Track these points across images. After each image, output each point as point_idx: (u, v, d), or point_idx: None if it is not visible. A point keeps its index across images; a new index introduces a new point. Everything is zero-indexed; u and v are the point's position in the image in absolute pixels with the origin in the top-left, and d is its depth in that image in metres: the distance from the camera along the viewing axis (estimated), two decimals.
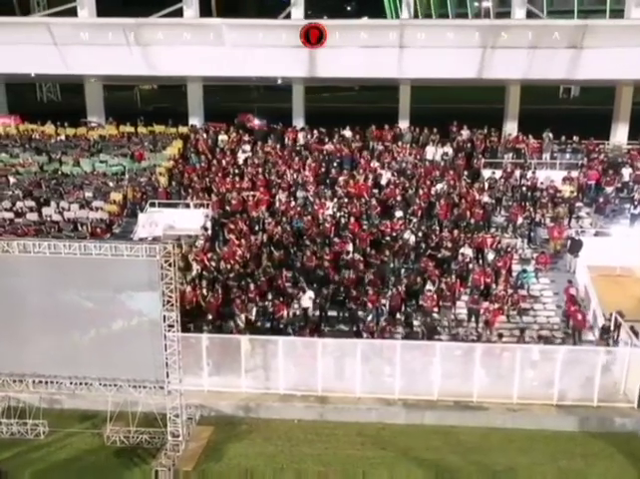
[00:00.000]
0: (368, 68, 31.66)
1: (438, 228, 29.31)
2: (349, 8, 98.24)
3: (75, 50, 31.97)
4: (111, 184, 33.20)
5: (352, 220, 29.42)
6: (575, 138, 34.84)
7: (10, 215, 31.42)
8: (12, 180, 33.61)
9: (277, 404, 22.42)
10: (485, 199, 30.72)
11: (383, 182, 32.28)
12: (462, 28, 32.41)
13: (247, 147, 35.18)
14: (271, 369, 22.92)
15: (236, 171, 33.33)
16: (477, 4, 71.26)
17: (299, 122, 38.56)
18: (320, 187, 32.10)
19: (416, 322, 25.52)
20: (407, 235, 28.48)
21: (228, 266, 27.18)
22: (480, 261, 28.05)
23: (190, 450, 20.51)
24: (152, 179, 33.11)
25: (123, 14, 34.62)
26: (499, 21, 44.24)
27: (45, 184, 33.10)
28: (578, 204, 31.71)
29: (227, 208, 30.84)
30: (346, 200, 30.97)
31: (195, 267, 27.43)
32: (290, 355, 22.78)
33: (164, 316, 19.56)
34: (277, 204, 31.10)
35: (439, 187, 31.37)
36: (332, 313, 26.06)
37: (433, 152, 34.09)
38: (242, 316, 24.54)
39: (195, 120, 38.99)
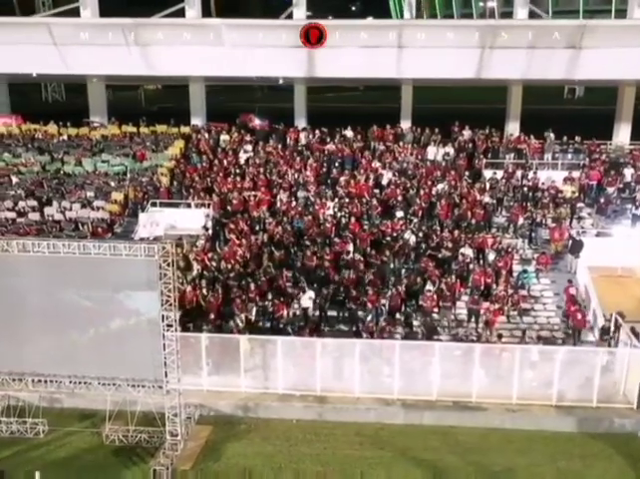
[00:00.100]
0: (367, 68, 31.67)
1: (438, 228, 29.27)
2: (354, 8, 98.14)
3: (75, 50, 32.06)
4: (112, 183, 33.27)
5: (352, 220, 29.42)
6: (577, 138, 34.76)
7: (12, 214, 31.51)
8: (15, 179, 33.72)
9: (276, 404, 22.43)
10: (487, 199, 30.67)
11: (384, 182, 32.28)
12: (460, 28, 32.50)
13: (249, 147, 35.24)
14: (270, 369, 22.92)
15: (237, 171, 33.37)
16: (482, 4, 71.09)
17: (301, 122, 38.60)
18: (321, 187, 32.13)
19: (415, 323, 25.54)
20: (407, 235, 28.46)
21: (229, 266, 27.21)
22: (481, 262, 28.01)
23: (189, 449, 20.55)
24: (153, 178, 33.14)
25: (127, 14, 34.68)
26: (498, 21, 44.39)
27: (47, 183, 33.17)
28: (580, 204, 31.64)
29: (228, 208, 30.89)
30: (347, 200, 30.97)
31: (196, 267, 27.48)
32: (289, 355, 22.80)
33: (163, 316, 19.60)
34: (278, 204, 31.13)
35: (440, 187, 31.35)
36: (332, 313, 26.08)
37: (434, 152, 34.08)
38: (242, 316, 24.54)
39: (198, 120, 39.07)
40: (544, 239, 29.62)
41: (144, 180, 33.31)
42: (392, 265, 27.48)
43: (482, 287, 26.45)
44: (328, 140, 35.46)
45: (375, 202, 30.59)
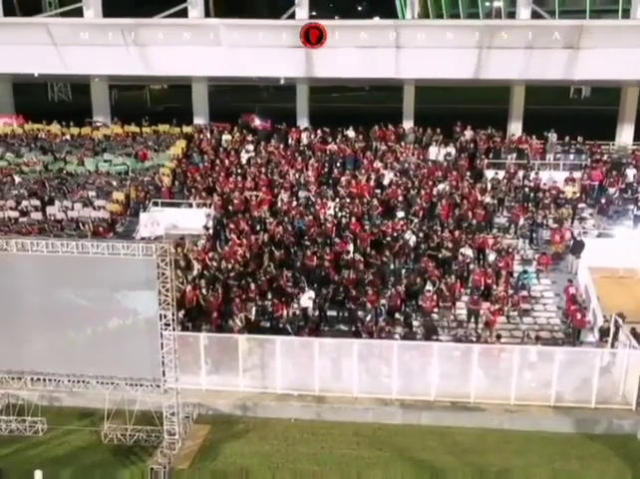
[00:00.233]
0: (365, 68, 31.63)
1: (439, 228, 29.24)
2: (360, 8, 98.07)
3: (74, 50, 32.17)
4: (114, 183, 33.38)
5: (353, 220, 29.42)
6: (579, 138, 34.68)
7: (15, 214, 31.66)
8: (17, 179, 33.88)
9: (274, 404, 22.46)
10: (488, 199, 30.63)
11: (385, 182, 32.28)
12: (459, 28, 32.45)
13: (250, 147, 35.32)
14: (269, 369, 22.95)
15: (239, 171, 33.44)
16: (488, 4, 71.03)
17: (303, 122, 38.67)
18: (322, 187, 32.16)
19: (415, 323, 25.54)
20: (408, 235, 28.44)
21: (229, 266, 27.28)
22: (481, 262, 27.97)
23: (187, 448, 20.61)
24: (154, 178, 33.23)
25: (133, 14, 34.83)
26: (496, 21, 44.27)
27: (48, 183, 33.31)
28: (581, 204, 31.57)
29: (230, 207, 30.95)
30: (348, 200, 30.98)
31: (196, 267, 27.53)
32: (288, 355, 22.83)
33: (161, 315, 19.67)
34: (279, 203, 31.17)
35: (440, 187, 31.33)
36: (332, 313, 26.10)
37: (436, 152, 34.06)
38: (241, 316, 24.57)
39: (201, 120, 39.18)
40: (545, 239, 29.55)
41: (145, 179, 33.38)
42: (392, 266, 27.46)
43: (483, 288, 26.43)
44: (330, 140, 35.45)
45: (376, 202, 30.56)
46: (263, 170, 33.29)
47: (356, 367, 22.45)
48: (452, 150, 34.17)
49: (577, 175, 32.41)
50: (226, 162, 34.44)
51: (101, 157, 35.49)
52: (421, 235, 28.72)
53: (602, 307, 25.29)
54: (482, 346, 22.99)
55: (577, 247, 28.10)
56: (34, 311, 20.13)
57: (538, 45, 29.75)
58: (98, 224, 30.46)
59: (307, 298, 25.60)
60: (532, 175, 32.43)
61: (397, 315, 25.52)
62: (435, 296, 25.63)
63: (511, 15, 57.54)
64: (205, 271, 27.24)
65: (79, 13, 37.14)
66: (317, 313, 25.60)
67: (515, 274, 27.59)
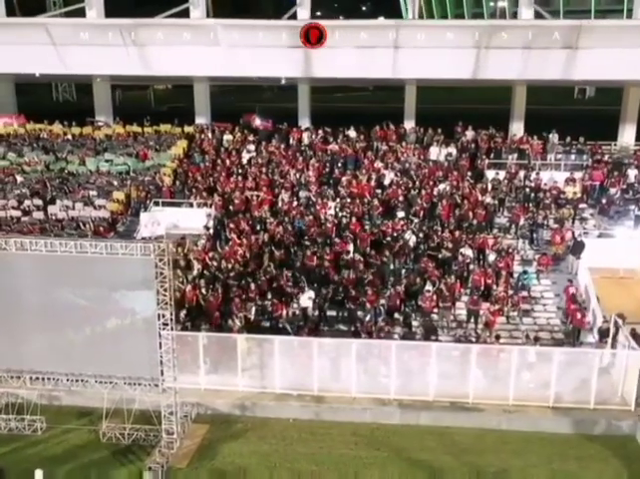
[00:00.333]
0: (363, 68, 31.63)
1: (439, 228, 29.21)
2: (364, 8, 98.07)
3: (74, 50, 32.26)
4: (115, 183, 33.47)
5: (354, 220, 29.41)
6: (581, 139, 34.63)
7: (17, 213, 31.76)
8: (19, 178, 33.99)
9: (273, 403, 22.48)
10: (488, 199, 30.60)
11: (386, 182, 32.27)
12: (457, 28, 32.38)
13: (252, 147, 35.36)
14: (268, 368, 22.96)
15: (240, 170, 33.48)
16: (492, 4, 70.98)
17: (305, 122, 38.69)
18: (323, 187, 32.17)
19: (415, 323, 25.54)
20: (408, 235, 28.43)
21: (229, 266, 27.31)
22: (482, 262, 27.94)
23: (185, 448, 20.66)
24: (155, 178, 33.30)
25: (135, 14, 34.94)
26: (494, 21, 44.18)
27: (50, 183, 33.40)
28: (582, 205, 31.51)
29: (230, 207, 30.99)
30: (348, 200, 30.98)
31: (197, 267, 27.58)
32: (286, 355, 22.85)
33: (159, 315, 19.71)
34: (280, 203, 31.18)
35: (441, 187, 31.31)
36: (331, 313, 26.11)
37: (437, 152, 34.05)
38: (241, 315, 24.60)
39: (202, 119, 39.24)
40: (546, 239, 29.51)
41: (146, 179, 33.45)
42: (392, 266, 27.45)
43: (482, 288, 26.41)
44: (331, 140, 35.46)
45: (376, 202, 30.55)
46: (264, 170, 33.28)
47: (354, 367, 22.43)
48: (453, 150, 34.15)
49: (578, 175, 32.34)
50: (227, 162, 34.47)
51: (102, 156, 35.55)
52: (421, 235, 28.68)
53: (602, 308, 25.24)
54: (481, 347, 22.97)
55: (578, 248, 28.05)
56: (33, 311, 20.22)
57: (537, 45, 29.69)
58: (98, 223, 30.52)
59: (307, 298, 25.61)
60: (533, 175, 32.38)
61: (396, 315, 25.52)
62: (434, 297, 25.60)
63: (516, 15, 57.66)
64: (205, 271, 27.27)
65: (83, 13, 37.29)
66: (317, 313, 25.59)
67: (515, 275, 27.56)
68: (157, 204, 31.41)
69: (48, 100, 69.52)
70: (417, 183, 31.92)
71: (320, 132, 36.14)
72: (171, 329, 19.99)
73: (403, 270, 27.63)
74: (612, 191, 31.54)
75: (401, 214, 30.07)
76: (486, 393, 22.10)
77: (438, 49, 30.42)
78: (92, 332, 20.26)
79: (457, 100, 54.94)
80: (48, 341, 20.40)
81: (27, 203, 32.18)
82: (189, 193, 32.28)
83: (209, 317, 24.86)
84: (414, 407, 22.16)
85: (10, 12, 38.92)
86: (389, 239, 28.53)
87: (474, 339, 24.79)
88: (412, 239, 28.29)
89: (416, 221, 29.70)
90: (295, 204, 31.05)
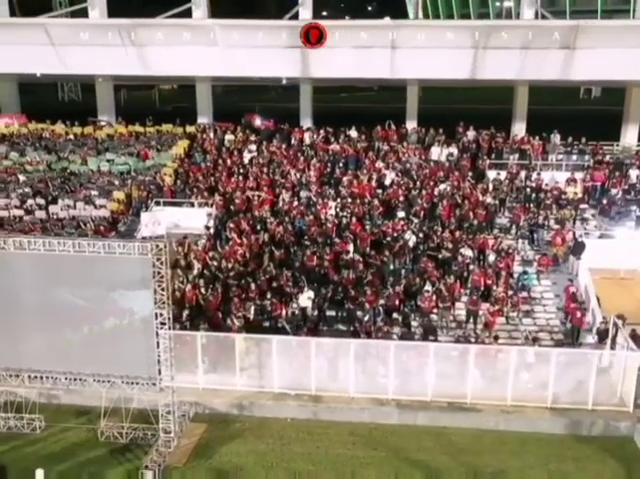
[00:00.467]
0: (361, 68, 31.66)
1: (440, 228, 29.18)
2: (370, 8, 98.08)
3: (74, 50, 32.41)
4: (116, 182, 33.57)
5: (354, 220, 29.41)
6: (583, 139, 34.56)
7: (19, 212, 31.88)
8: (22, 178, 34.13)
9: (271, 403, 22.50)
10: (489, 200, 30.56)
11: (387, 182, 32.26)
12: (455, 28, 32.39)
13: (253, 147, 35.40)
14: (266, 368, 22.98)
15: (241, 170, 33.53)
16: (498, 4, 70.93)
17: (307, 122, 38.75)
18: (324, 187, 32.18)
19: (414, 323, 25.53)
20: (408, 235, 28.41)
21: (229, 265, 27.35)
22: (482, 263, 27.89)
23: (182, 447, 20.70)
24: (156, 178, 33.39)
25: (137, 14, 35.04)
26: (492, 22, 44.17)
27: (51, 182, 33.53)
28: (583, 205, 31.44)
29: (231, 207, 31.03)
30: (349, 200, 30.98)
31: (197, 266, 27.63)
32: (285, 354, 22.88)
33: (157, 314, 19.76)
34: (280, 203, 31.21)
35: (442, 187, 31.28)
36: (331, 313, 26.11)
37: (438, 152, 34.03)
38: (240, 315, 24.62)
39: (205, 119, 39.35)
40: (546, 240, 29.45)
41: (147, 179, 33.53)
42: (391, 266, 27.43)
43: (482, 288, 26.38)
44: (332, 140, 35.48)
45: (377, 202, 30.54)
46: (265, 170, 33.31)
47: (353, 367, 22.44)
48: (454, 150, 34.11)
49: (579, 175, 32.27)
50: (229, 161, 34.52)
51: (103, 156, 35.67)
52: (421, 235, 28.65)
53: (602, 309, 25.20)
54: (479, 347, 22.92)
55: (578, 248, 28.00)
56: (31, 310, 20.31)
57: (535, 45, 29.66)
58: (98, 223, 30.60)
59: (306, 298, 25.61)
60: (534, 175, 32.32)
61: (395, 315, 25.50)
62: (433, 297, 25.58)
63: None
64: (205, 271, 27.32)
65: (88, 13, 37.48)
66: (316, 313, 25.59)
67: (516, 275, 27.52)
68: (158, 203, 31.46)
69: (54, 100, 69.96)
70: (417, 183, 31.87)
71: (322, 132, 36.13)
72: (169, 329, 20.04)
73: (402, 271, 27.58)
74: (613, 191, 31.45)
75: (401, 214, 30.04)
76: (484, 394, 22.08)
77: (436, 49, 30.42)
78: (90, 332, 20.33)
79: (459, 100, 54.92)
80: (46, 340, 20.49)
81: (29, 202, 32.28)
82: (190, 192, 32.33)
83: (209, 317, 24.91)
84: (412, 407, 22.15)
85: (14, 12, 39.23)
86: (389, 239, 28.50)
87: (473, 340, 24.76)
88: (412, 240, 28.27)
89: (416, 221, 29.65)
90: (296, 204, 31.04)
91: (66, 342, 20.42)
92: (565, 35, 29.55)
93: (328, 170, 33.66)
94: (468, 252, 27.50)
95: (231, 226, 29.52)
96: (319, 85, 41.47)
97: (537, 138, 34.40)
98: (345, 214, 30.06)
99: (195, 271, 27.41)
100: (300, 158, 34.32)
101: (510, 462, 20.02)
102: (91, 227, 30.02)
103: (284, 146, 35.52)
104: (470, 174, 32.60)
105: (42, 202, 32.33)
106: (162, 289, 19.56)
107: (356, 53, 30.96)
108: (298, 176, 32.85)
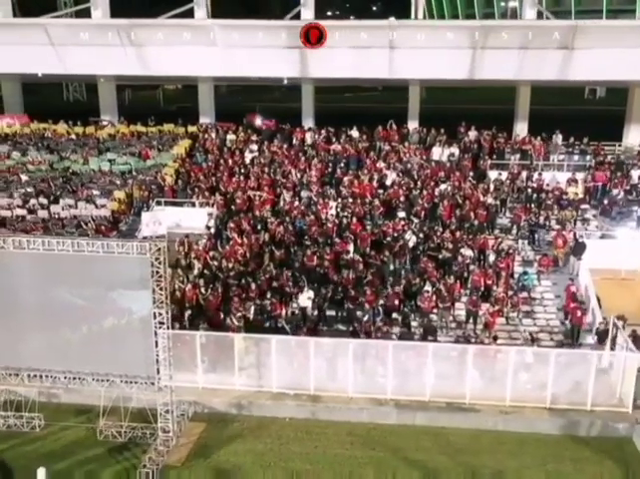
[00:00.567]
0: (360, 68, 31.67)
1: (440, 229, 29.16)
2: (375, 8, 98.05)
3: (73, 50, 32.54)
4: (118, 182, 33.67)
5: (354, 220, 29.41)
6: (585, 139, 34.49)
7: (22, 211, 32.01)
8: (24, 177, 34.26)
9: (269, 402, 22.54)
10: (490, 200, 30.52)
11: (388, 182, 32.25)
12: (453, 29, 32.40)
13: (255, 146, 35.43)
14: (265, 368, 23.02)
15: (242, 170, 33.57)
16: (503, 4, 70.75)
17: (309, 122, 38.76)
18: (325, 187, 32.19)
19: (414, 323, 25.53)
20: (408, 235, 28.40)
21: (230, 265, 27.40)
22: (482, 263, 27.85)
23: (181, 446, 20.75)
24: (156, 177, 33.46)
25: (140, 14, 35.16)
26: (491, 22, 44.17)
27: (53, 182, 33.64)
28: (585, 206, 31.38)
29: (232, 207, 31.08)
30: (350, 200, 30.98)
31: (197, 266, 27.69)
32: (283, 354, 22.89)
33: (155, 313, 19.82)
34: (281, 203, 31.23)
35: (442, 187, 31.26)
36: (331, 313, 26.12)
37: (439, 152, 34.00)
38: (239, 315, 24.66)
39: (207, 119, 39.44)
40: (547, 240, 29.41)
41: (148, 178, 33.62)
42: (391, 266, 27.42)
43: (482, 289, 26.36)
44: (334, 140, 35.49)
45: (377, 202, 30.54)
46: (266, 169, 33.34)
47: (351, 367, 22.46)
48: (455, 150, 34.08)
49: (580, 176, 32.22)
50: (230, 161, 34.56)
51: (105, 156, 35.77)
52: (421, 235, 28.63)
53: (603, 309, 25.18)
54: (478, 347, 22.94)
55: (579, 249, 27.94)
56: (31, 309, 20.42)
57: (533, 45, 29.62)
58: (99, 222, 30.69)
59: (306, 298, 25.64)
60: (535, 176, 32.27)
61: (395, 315, 25.51)
62: (434, 297, 25.57)
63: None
64: (206, 271, 27.38)
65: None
66: (316, 313, 25.61)
67: (516, 276, 27.48)
68: (159, 203, 31.52)
69: (59, 100, 70.15)
70: (418, 183, 31.85)
71: (323, 132, 36.15)
72: (167, 328, 20.09)
73: (402, 271, 27.57)
74: (614, 191, 31.36)
75: (402, 214, 30.02)
76: (483, 394, 22.07)
77: (434, 49, 30.40)
78: (89, 331, 20.41)
79: (461, 100, 54.85)
80: (45, 339, 20.57)
81: (32, 202, 32.39)
82: (192, 192, 32.39)
83: (209, 317, 24.95)
84: (410, 407, 22.16)
85: (15, 12, 39.39)
86: (389, 239, 28.49)
87: (473, 340, 24.75)
88: (412, 240, 28.25)
89: (416, 221, 29.63)
90: (297, 203, 31.05)
91: (65, 342, 20.50)
92: (564, 35, 29.48)
93: (329, 170, 33.64)
94: (468, 253, 27.46)
95: (232, 225, 29.55)
96: (322, 85, 41.51)
97: (539, 138, 34.26)
98: (346, 214, 30.06)
99: (196, 271, 27.47)
100: (301, 158, 34.30)
101: (508, 462, 19.99)
102: (92, 226, 30.10)
103: (285, 146, 35.52)
104: (471, 174, 32.56)
105: (44, 201, 32.44)
106: (161, 289, 19.61)
107: (355, 53, 30.98)
108: (299, 176, 32.85)
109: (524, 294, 26.78)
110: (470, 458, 20.20)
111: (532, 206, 30.83)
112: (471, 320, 25.72)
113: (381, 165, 33.37)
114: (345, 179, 32.40)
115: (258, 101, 55.09)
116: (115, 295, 20.11)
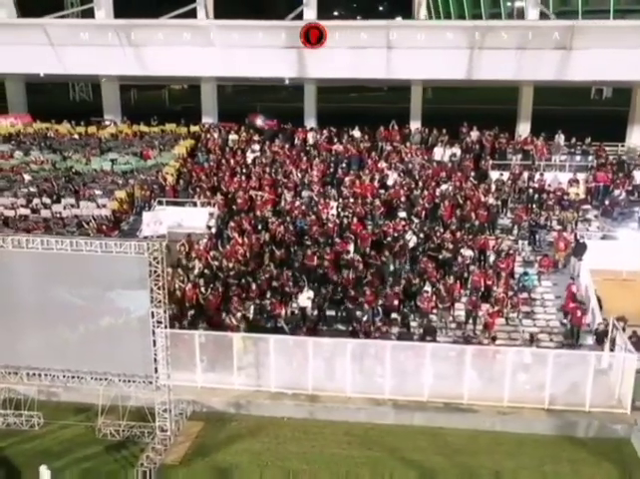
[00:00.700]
0: (358, 69, 31.68)
1: (441, 229, 29.12)
2: (381, 8, 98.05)
3: (73, 51, 32.70)
4: (120, 182, 33.78)
5: (355, 220, 29.42)
6: (587, 140, 34.39)
7: (24, 211, 32.14)
8: (27, 177, 34.42)
9: (268, 402, 22.59)
10: (491, 200, 30.48)
11: (389, 182, 32.24)
12: (452, 29, 32.40)
13: (256, 146, 35.49)
14: (264, 367, 23.07)
15: (244, 170, 33.63)
16: (509, 4, 70.58)
17: (311, 122, 38.79)
18: (326, 187, 32.21)
19: (414, 324, 25.52)
20: (408, 235, 28.39)
21: (230, 265, 27.46)
22: (482, 263, 27.81)
23: (179, 445, 20.81)
24: (158, 177, 33.57)
25: (142, 14, 35.27)
26: (489, 22, 44.15)
27: (56, 181, 33.78)
28: (586, 206, 31.29)
29: (233, 207, 31.14)
30: (351, 200, 30.99)
31: (198, 266, 27.75)
32: (282, 354, 22.93)
33: (153, 313, 19.88)
34: (282, 203, 31.27)
35: (443, 187, 31.23)
36: (330, 313, 26.13)
37: (441, 153, 33.96)
38: (238, 315, 24.71)
39: (210, 119, 39.53)
40: (548, 241, 29.34)
41: (150, 178, 33.72)
42: (391, 266, 27.41)
43: (482, 289, 26.33)
44: (335, 140, 35.51)
45: (378, 202, 30.54)
46: (268, 169, 33.38)
47: (349, 367, 22.50)
48: (457, 150, 34.03)
49: (582, 176, 32.13)
50: (232, 161, 34.62)
51: (106, 156, 35.91)
52: (422, 235, 28.61)
53: (604, 310, 25.11)
54: (476, 348, 22.93)
55: (579, 250, 27.85)
56: (29, 308, 20.52)
57: (531, 45, 29.57)
58: (100, 222, 30.79)
59: (306, 298, 25.67)
60: (537, 176, 32.19)
61: (394, 316, 25.51)
62: (433, 297, 25.55)
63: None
64: (207, 270, 27.44)
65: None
66: (316, 313, 25.64)
67: (516, 276, 27.43)
68: (160, 203, 31.61)
69: (65, 99, 70.45)
70: (419, 183, 31.83)
71: (325, 132, 36.17)
72: (165, 327, 20.16)
73: (402, 271, 27.56)
74: (616, 192, 31.24)
75: (402, 214, 30.00)
76: (481, 394, 22.06)
77: (433, 49, 30.39)
78: (87, 330, 20.47)
79: (464, 100, 54.76)
80: (44, 338, 20.65)
81: (35, 201, 32.53)
82: (193, 192, 32.46)
83: (209, 316, 25.01)
84: (408, 408, 22.16)
85: (24, 13, 39.67)
86: (389, 239, 28.48)
87: (473, 340, 24.70)
88: (412, 240, 28.24)
89: (416, 221, 29.60)
90: (298, 203, 31.08)
91: (63, 340, 20.59)
92: (562, 35, 29.40)
93: (331, 170, 33.65)
94: (468, 253, 27.42)
95: (233, 225, 29.61)
96: (326, 85, 41.55)
97: (541, 138, 34.19)
98: (347, 214, 30.06)
99: (197, 271, 27.53)
100: (303, 158, 34.33)
101: (505, 463, 19.96)
102: (93, 226, 30.21)
103: (287, 146, 35.55)
104: (472, 174, 32.51)
105: (47, 201, 32.58)
106: (159, 288, 19.66)
107: (353, 53, 31.00)
108: (300, 176, 32.87)
109: (525, 295, 26.73)
110: (467, 459, 20.18)
111: (534, 206, 30.71)
112: (470, 321, 25.66)
113: (382, 165, 33.34)
114: (346, 179, 32.40)
115: (264, 101, 55.26)
116: (113, 295, 20.17)
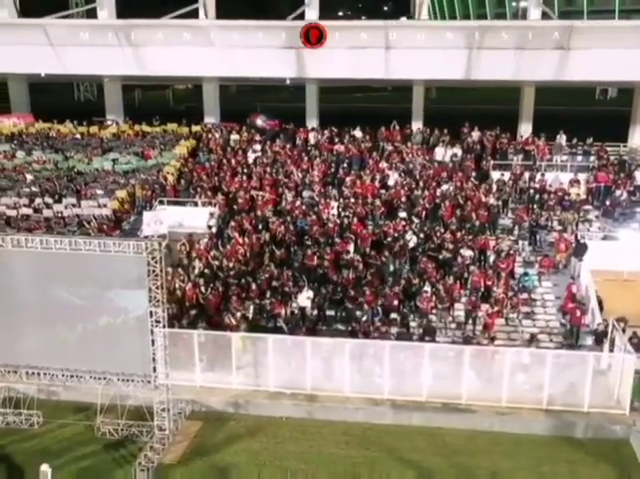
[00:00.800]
0: (356, 69, 31.69)
1: (442, 229, 29.10)
2: (386, 8, 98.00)
3: (72, 51, 32.81)
4: (121, 181, 33.87)
5: (355, 220, 29.42)
6: (589, 140, 34.32)
7: (27, 210, 32.23)
8: (29, 177, 34.53)
9: (266, 402, 22.62)
10: (492, 200, 30.44)
11: (390, 182, 32.24)
12: (451, 29, 32.31)
13: (258, 146, 35.52)
14: (262, 367, 23.10)
15: (245, 170, 33.67)
16: (515, 4, 70.44)
17: (313, 122, 38.79)
18: (327, 187, 32.22)
19: (413, 324, 25.52)
20: (409, 236, 28.38)
21: (230, 265, 27.50)
22: (482, 264, 27.78)
23: (177, 444, 20.89)
24: (159, 177, 33.63)
25: (145, 15, 35.37)
26: (488, 22, 44.13)
27: (57, 181, 33.88)
28: (587, 207, 31.23)
29: (234, 206, 31.18)
30: (352, 200, 31.00)
31: (198, 265, 27.81)
32: (280, 353, 22.96)
33: (151, 312, 19.94)
34: (283, 203, 31.30)
35: (444, 188, 31.21)
36: (330, 313, 26.14)
37: (442, 153, 33.93)
38: (238, 314, 24.75)
39: (212, 119, 39.58)
40: (549, 241, 29.30)
41: (152, 178, 33.78)
42: (391, 266, 27.41)
43: (482, 290, 26.31)
44: (337, 140, 35.53)
45: (378, 202, 30.54)
46: (269, 169, 33.42)
47: (348, 367, 22.52)
48: (458, 151, 34.00)
49: (583, 176, 32.07)
50: (233, 161, 34.66)
51: (108, 155, 35.98)
52: (422, 235, 28.59)
53: (605, 311, 25.10)
54: (475, 348, 22.91)
55: (580, 250, 27.81)
56: (29, 307, 20.61)
57: (530, 46, 29.52)
58: (101, 221, 30.87)
59: (305, 298, 25.71)
60: (538, 176, 32.14)
61: (394, 316, 25.50)
62: (433, 297, 25.54)
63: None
64: (207, 270, 27.49)
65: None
66: (316, 313, 25.67)
67: (517, 277, 27.40)
68: (161, 202, 31.67)
69: (70, 99, 70.54)
70: (420, 183, 31.82)
71: (326, 132, 36.18)
72: (164, 327, 20.22)
73: (402, 271, 27.55)
74: (617, 193, 31.18)
75: (403, 214, 29.99)
76: (480, 395, 22.05)
77: (431, 49, 30.38)
78: (85, 329, 20.60)
79: (466, 100, 54.64)
80: (43, 337, 20.76)
81: (38, 201, 32.63)
82: (194, 192, 32.51)
83: (209, 316, 25.06)
84: (407, 408, 22.17)
85: (26, 13, 39.75)
86: (389, 239, 28.48)
87: (473, 341, 24.67)
88: (412, 240, 28.23)
89: (416, 221, 29.59)
90: (298, 203, 31.10)
91: (62, 340, 20.70)
92: (560, 35, 29.35)
93: (332, 170, 33.66)
94: (468, 253, 27.40)
95: (233, 225, 29.66)
96: (328, 85, 41.55)
97: (543, 139, 34.14)
98: (347, 214, 30.07)
99: (197, 270, 27.58)
100: (304, 158, 34.36)
101: (503, 463, 19.96)
102: (94, 225, 30.29)
103: (288, 146, 35.57)
104: (473, 174, 32.48)
105: (50, 200, 32.68)
106: (157, 288, 19.73)
107: (352, 53, 31.01)
108: (301, 176, 32.89)
109: (525, 295, 26.70)
110: (465, 459, 20.19)
111: (535, 206, 30.67)
112: (470, 321, 25.64)
113: (383, 165, 33.33)
114: (347, 179, 32.41)
115: (266, 101, 55.21)
116: (111, 294, 20.26)
